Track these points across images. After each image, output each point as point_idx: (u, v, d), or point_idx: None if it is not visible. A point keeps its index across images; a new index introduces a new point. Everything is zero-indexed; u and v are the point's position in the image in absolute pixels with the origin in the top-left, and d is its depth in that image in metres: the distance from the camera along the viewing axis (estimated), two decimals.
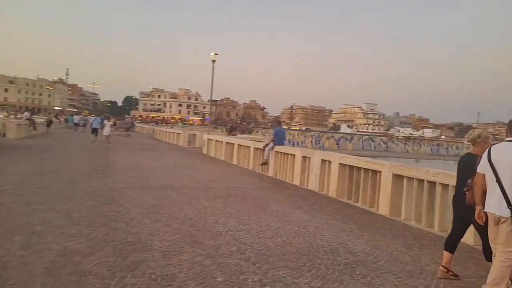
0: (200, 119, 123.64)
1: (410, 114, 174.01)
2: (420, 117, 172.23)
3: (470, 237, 5.34)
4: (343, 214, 6.88)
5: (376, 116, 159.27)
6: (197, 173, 11.44)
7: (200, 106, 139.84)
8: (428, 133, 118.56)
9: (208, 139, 20.08)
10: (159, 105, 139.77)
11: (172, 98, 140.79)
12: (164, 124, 77.07)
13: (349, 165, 8.53)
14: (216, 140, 18.64)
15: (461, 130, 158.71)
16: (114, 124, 27.81)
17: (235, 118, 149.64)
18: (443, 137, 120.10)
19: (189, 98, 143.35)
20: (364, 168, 7.99)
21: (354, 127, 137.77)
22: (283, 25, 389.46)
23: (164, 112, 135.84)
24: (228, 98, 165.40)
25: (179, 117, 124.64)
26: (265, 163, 12.19)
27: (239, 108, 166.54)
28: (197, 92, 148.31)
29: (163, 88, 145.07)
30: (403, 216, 6.83)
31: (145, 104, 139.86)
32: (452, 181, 5.74)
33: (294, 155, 10.84)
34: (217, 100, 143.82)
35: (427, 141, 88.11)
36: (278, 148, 11.91)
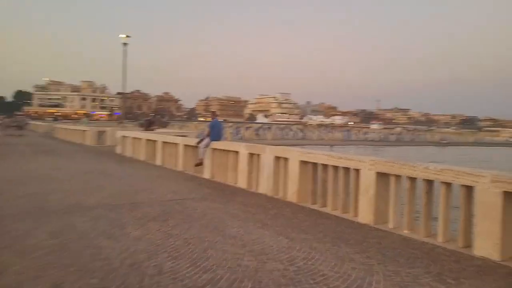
0: (108, 114, 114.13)
1: (320, 103, 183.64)
2: (329, 105, 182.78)
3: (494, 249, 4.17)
4: (322, 229, 5.30)
5: (290, 105, 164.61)
6: (114, 182, 8.96)
7: (107, 100, 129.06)
8: (338, 120, 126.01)
9: (123, 136, 17.18)
10: (58, 99, 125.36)
11: (74, 91, 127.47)
12: (66, 121, 69.01)
13: (312, 163, 7.02)
14: (133, 137, 15.91)
15: (365, 116, 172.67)
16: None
17: (147, 111, 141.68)
18: (351, 123, 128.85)
19: (94, 91, 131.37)
20: (333, 166, 6.54)
21: (270, 117, 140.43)
22: (193, 10, 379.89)
23: (65, 107, 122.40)
24: (139, 91, 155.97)
25: (84, 112, 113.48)
26: (201, 163, 10.17)
27: (152, 101, 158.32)
28: (102, 85, 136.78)
29: (62, 80, 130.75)
30: (391, 224, 5.51)
31: (40, 99, 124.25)
32: (462, 179, 4.52)
33: (237, 152, 9.02)
34: (127, 93, 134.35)
35: (338, 128, 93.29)
36: (215, 144, 9.97)
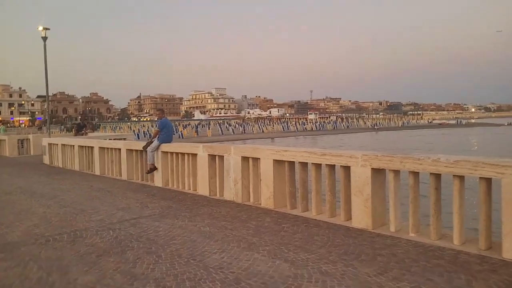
0: (29, 119, 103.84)
1: (256, 96, 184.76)
2: (265, 98, 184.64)
3: None
4: (321, 243, 4.41)
5: (226, 100, 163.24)
6: (45, 203, 7.27)
7: (27, 104, 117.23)
8: (275, 112, 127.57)
9: (50, 143, 14.92)
10: None
11: None
12: None
13: (288, 161, 6.11)
14: (63, 145, 13.80)
15: (300, 107, 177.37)
16: None
17: (74, 114, 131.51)
18: (287, 114, 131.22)
19: (11, 96, 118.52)
20: (314, 164, 5.69)
21: (207, 113, 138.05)
22: (119, 7, 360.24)
23: None
24: (63, 93, 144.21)
25: (0, 118, 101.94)
26: (154, 169, 8.78)
27: (78, 103, 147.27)
28: (20, 88, 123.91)
29: None
30: (393, 227, 4.79)
31: None
32: (482, 171, 3.90)
33: (195, 154, 7.82)
34: (48, 96, 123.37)
35: (276, 120, 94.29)
36: (166, 146, 8.65)
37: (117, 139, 15.30)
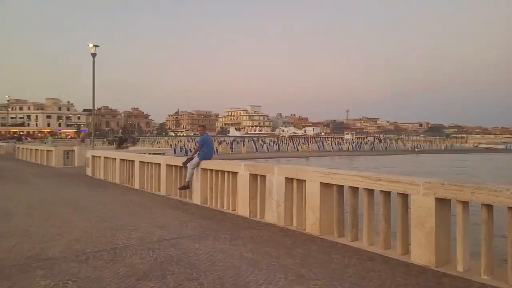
0: (75, 132, 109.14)
1: (291, 114, 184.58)
2: (300, 117, 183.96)
3: None
4: (379, 281, 3.94)
5: (261, 118, 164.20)
6: (85, 216, 7.24)
7: (73, 117, 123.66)
8: (310, 131, 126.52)
9: (93, 156, 15.29)
10: (21, 118, 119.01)
11: (38, 109, 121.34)
12: (30, 140, 64.98)
13: (337, 185, 5.70)
14: (105, 157, 14.08)
15: (335, 126, 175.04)
16: None
17: (116, 128, 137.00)
18: (323, 133, 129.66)
19: (60, 109, 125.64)
20: (367, 189, 5.24)
21: (242, 130, 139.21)
22: (163, 23, 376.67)
23: (29, 126, 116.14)
24: (107, 107, 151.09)
25: (48, 130, 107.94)
26: (187, 186, 8.64)
27: (120, 117, 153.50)
28: (68, 102, 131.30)
29: (25, 98, 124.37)
30: (461, 267, 4.22)
31: (3, 118, 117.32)
32: None
33: (236, 173, 7.58)
34: (94, 110, 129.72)
35: (311, 139, 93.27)
36: (206, 163, 8.48)
37: (157, 153, 15.46)
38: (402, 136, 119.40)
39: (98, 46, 17.30)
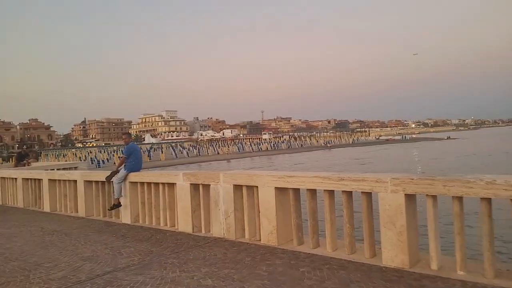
0: None
1: (208, 118, 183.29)
2: (217, 120, 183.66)
3: None
4: None
5: (178, 123, 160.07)
6: None
7: None
8: (228, 133, 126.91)
9: None
10: None
11: None
12: None
13: (293, 189, 5.22)
14: (1, 178, 11.84)
15: (252, 127, 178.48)
16: None
17: (11, 142, 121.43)
18: (241, 135, 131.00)
19: None
20: (327, 191, 4.85)
21: (158, 136, 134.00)
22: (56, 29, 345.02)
23: None
24: None
25: None
26: (118, 205, 7.47)
27: (15, 130, 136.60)
28: None
29: None
30: (435, 265, 4.02)
31: None
32: None
33: (173, 184, 6.69)
34: None
35: (230, 141, 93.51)
36: (135, 176, 7.41)
37: (66, 168, 13.58)
38: (314, 133, 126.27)
39: None
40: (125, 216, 7.55)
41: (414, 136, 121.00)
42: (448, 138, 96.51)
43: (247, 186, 5.68)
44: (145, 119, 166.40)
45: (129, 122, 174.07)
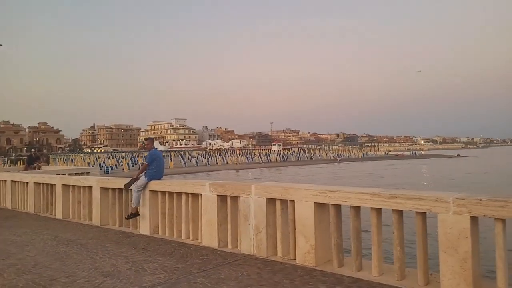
0: None
1: (217, 127, 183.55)
2: (226, 129, 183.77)
3: None
4: None
5: (187, 131, 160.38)
6: None
7: None
8: (237, 143, 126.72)
9: None
10: None
11: None
12: None
13: (335, 205, 4.76)
14: (12, 181, 11.52)
15: (260, 138, 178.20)
16: None
17: (20, 145, 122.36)
18: (250, 145, 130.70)
19: None
20: (375, 208, 4.38)
21: (167, 144, 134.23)
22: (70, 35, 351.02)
23: None
24: (8, 122, 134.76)
25: None
26: (136, 214, 7.06)
27: (24, 133, 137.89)
28: None
29: None
30: None
31: None
32: None
33: (198, 194, 6.27)
34: None
35: (239, 151, 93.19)
36: (156, 184, 7.00)
37: (78, 173, 13.23)
38: (322, 146, 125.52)
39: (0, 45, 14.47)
40: (143, 227, 7.13)
41: (423, 152, 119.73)
42: (458, 155, 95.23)
43: (281, 199, 5.24)
44: (154, 126, 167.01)
45: (138, 129, 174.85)
